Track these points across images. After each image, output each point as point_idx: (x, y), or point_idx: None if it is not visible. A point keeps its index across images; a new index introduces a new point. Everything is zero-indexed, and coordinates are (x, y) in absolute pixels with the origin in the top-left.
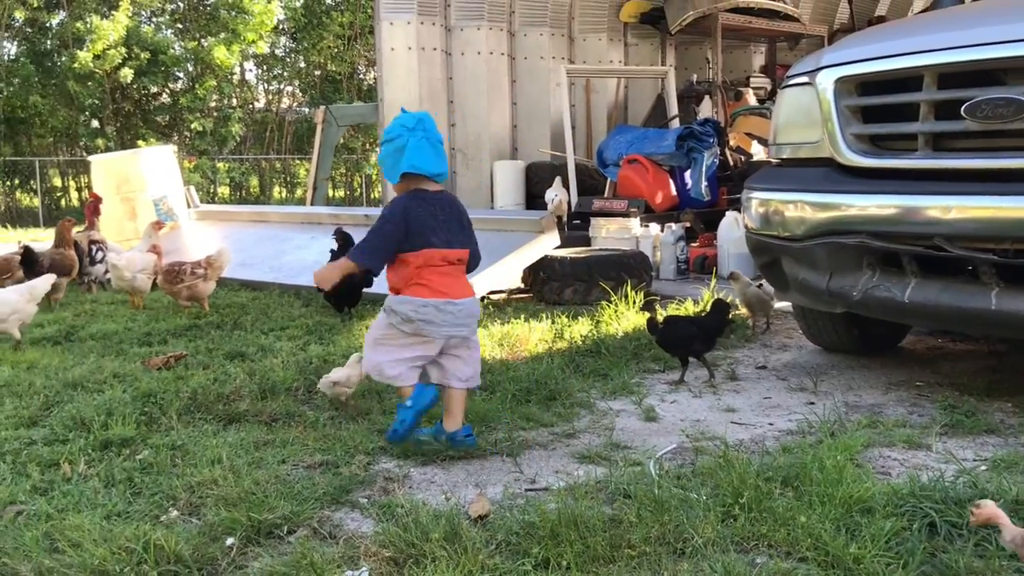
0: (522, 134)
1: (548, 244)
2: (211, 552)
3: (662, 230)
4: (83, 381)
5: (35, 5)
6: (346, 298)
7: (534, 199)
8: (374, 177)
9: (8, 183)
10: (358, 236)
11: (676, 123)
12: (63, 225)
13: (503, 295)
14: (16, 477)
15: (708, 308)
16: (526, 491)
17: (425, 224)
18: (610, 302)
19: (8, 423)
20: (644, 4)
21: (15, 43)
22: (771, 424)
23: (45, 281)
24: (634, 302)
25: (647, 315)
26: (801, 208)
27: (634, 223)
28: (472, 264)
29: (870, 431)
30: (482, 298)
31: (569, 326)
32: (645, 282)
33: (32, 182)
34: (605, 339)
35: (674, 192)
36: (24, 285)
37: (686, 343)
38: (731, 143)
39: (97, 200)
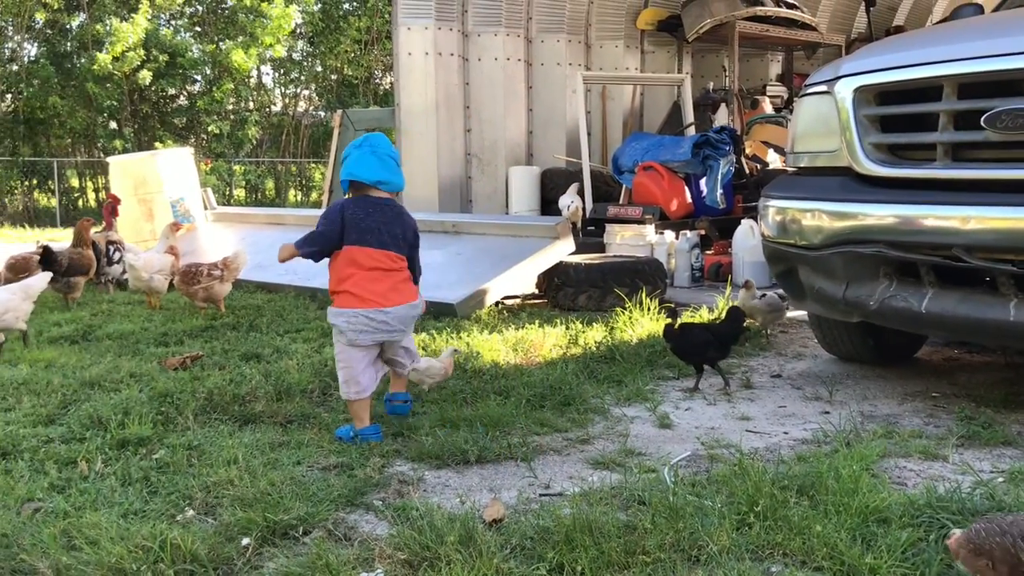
0: (538, 140)
1: (563, 250)
2: (227, 552)
3: (677, 237)
4: (100, 380)
5: (56, 7)
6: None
7: (549, 205)
8: None
9: (27, 183)
10: None
11: (692, 131)
12: (81, 225)
13: (517, 300)
14: (34, 475)
15: (723, 316)
16: (540, 496)
17: (358, 223)
18: (624, 309)
19: (26, 421)
20: (661, 12)
21: (35, 45)
22: (786, 433)
23: (40, 280)
24: (648, 309)
25: (667, 321)
26: (818, 217)
27: (649, 230)
28: (416, 276)
29: (886, 441)
30: (496, 303)
31: (583, 332)
32: (660, 289)
33: (50, 182)
34: (619, 345)
35: (689, 199)
36: (18, 284)
37: (700, 350)
38: (747, 151)
39: (115, 201)
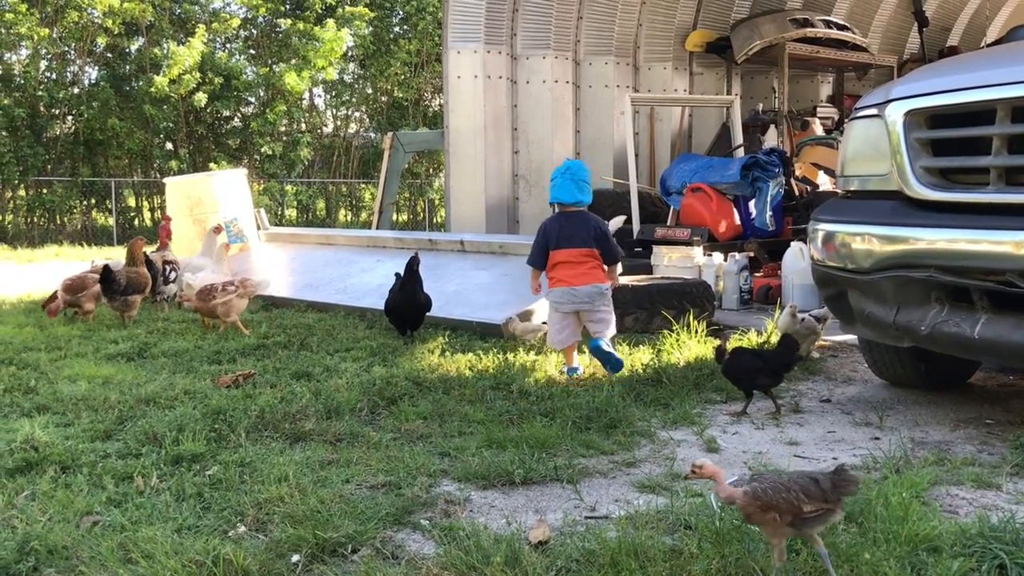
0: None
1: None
2: (277, 568)
3: (725, 259)
4: (155, 397)
5: (116, 32)
6: (410, 320)
7: None
8: (437, 202)
9: (85, 203)
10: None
11: (741, 152)
12: (135, 244)
13: None
14: (92, 488)
15: (776, 343)
16: (586, 518)
17: (554, 234)
18: (672, 331)
19: (85, 436)
20: (710, 33)
21: (96, 68)
22: (835, 458)
23: None
24: (696, 332)
25: (716, 343)
26: (869, 241)
27: (697, 252)
28: (609, 260)
29: (937, 468)
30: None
31: (630, 354)
32: (707, 312)
33: (108, 202)
34: (666, 368)
35: (738, 221)
36: None
37: (750, 376)
38: (797, 173)
39: (169, 221)
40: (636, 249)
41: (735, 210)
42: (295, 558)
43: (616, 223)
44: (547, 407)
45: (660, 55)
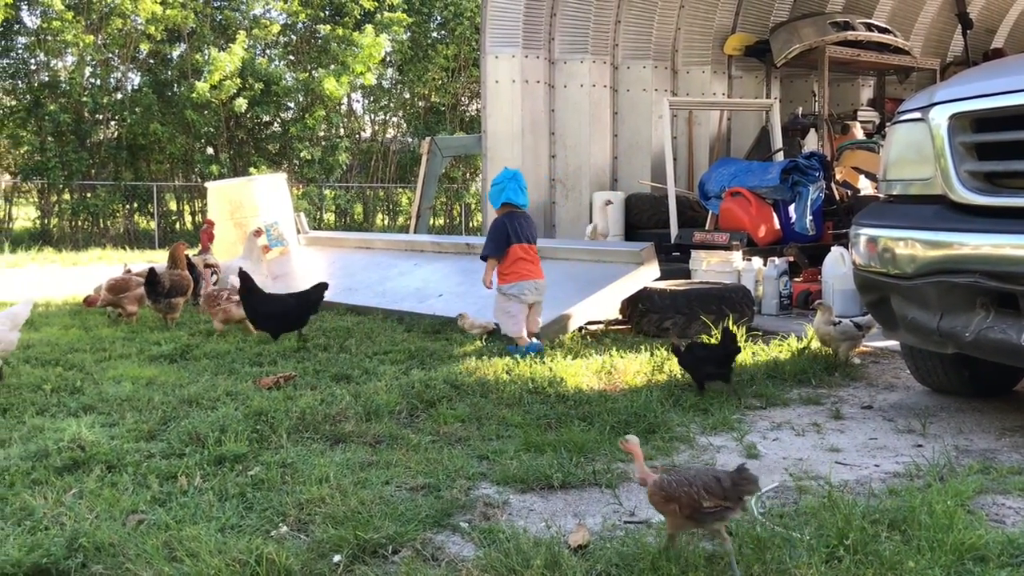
0: (622, 166)
1: (648, 276)
2: (319, 568)
3: (765, 264)
4: (198, 398)
5: (158, 38)
6: (295, 322)
7: (634, 230)
8: (473, 206)
9: (128, 207)
10: (460, 262)
11: (781, 156)
12: (177, 247)
13: (601, 326)
14: (137, 488)
15: (720, 337)
16: (625, 523)
17: (515, 230)
18: (711, 336)
19: (129, 436)
20: (749, 37)
21: (139, 74)
22: (877, 466)
23: (25, 308)
24: (736, 337)
25: (674, 341)
26: (912, 246)
27: (736, 256)
28: None
29: (982, 477)
30: (580, 328)
31: (669, 359)
32: (747, 317)
33: (149, 206)
34: None
35: (778, 226)
36: (5, 313)
37: (700, 366)
38: (837, 177)
39: (211, 225)
40: (674, 253)
41: (774, 214)
42: (336, 558)
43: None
44: (585, 411)
45: (699, 59)
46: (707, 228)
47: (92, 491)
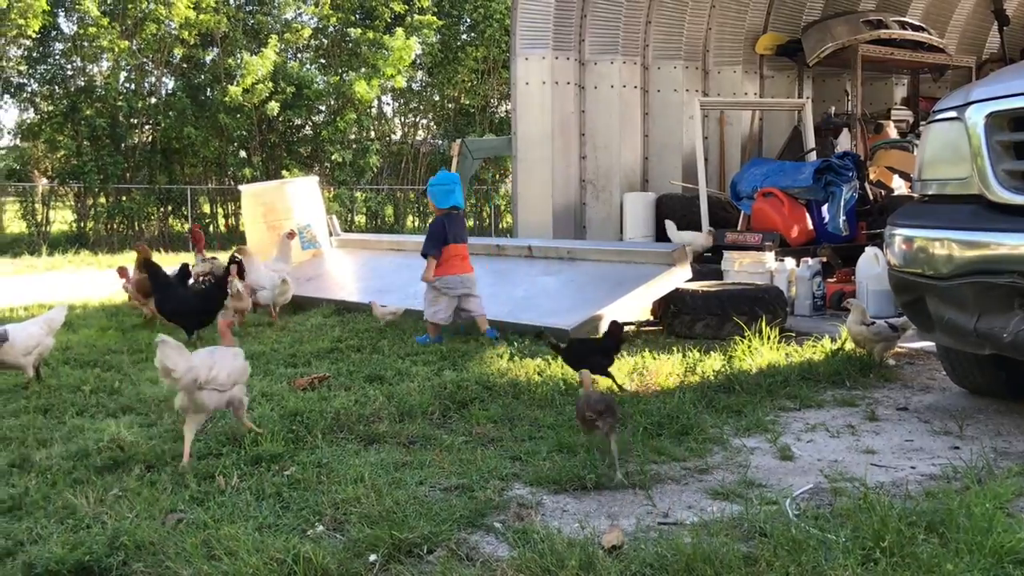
0: (653, 166)
1: (679, 277)
2: (355, 567)
3: (798, 265)
4: None
5: (192, 43)
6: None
7: (665, 232)
8: (503, 207)
9: (162, 209)
10: (490, 264)
11: (813, 156)
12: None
13: (633, 327)
14: (176, 487)
15: (605, 332)
16: (659, 524)
17: (453, 231)
18: (744, 337)
19: (167, 436)
20: (781, 36)
21: (173, 78)
22: (913, 468)
23: (60, 312)
24: (768, 338)
25: (554, 343)
26: (948, 246)
27: (769, 257)
28: None
29: (1022, 479)
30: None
31: (701, 360)
32: (780, 318)
33: (184, 209)
34: (738, 375)
35: (811, 226)
36: (42, 317)
37: (585, 357)
38: (871, 177)
39: (197, 227)
40: (706, 254)
41: (807, 215)
42: (372, 557)
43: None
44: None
45: (730, 58)
46: (739, 229)
47: (132, 490)
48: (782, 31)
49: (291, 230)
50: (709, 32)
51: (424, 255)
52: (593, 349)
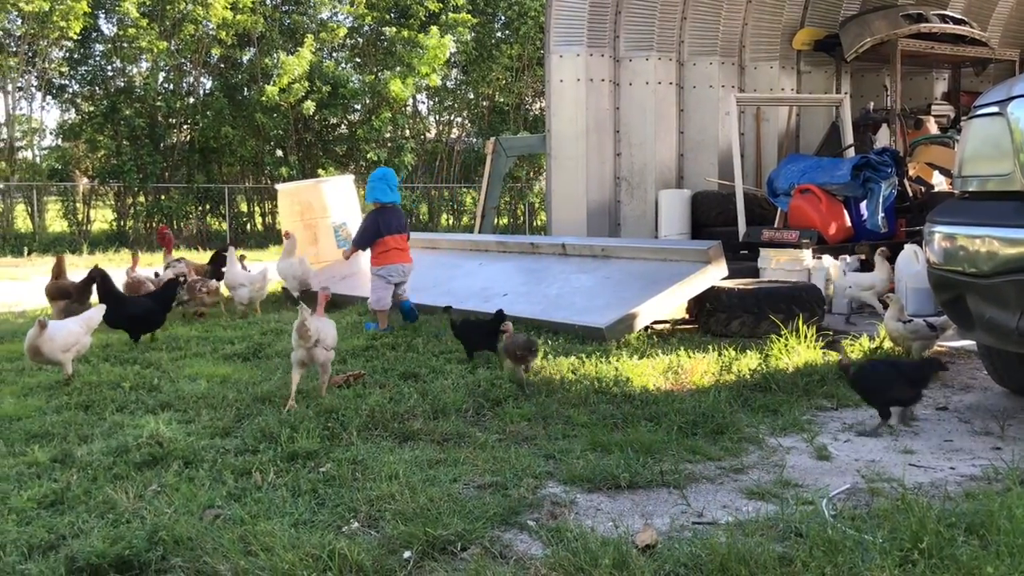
0: (689, 163)
1: (715, 275)
2: (390, 564)
3: (836, 262)
4: (270, 396)
5: (229, 43)
6: (142, 323)
7: (700, 229)
8: (537, 205)
9: (200, 208)
10: (524, 262)
11: (851, 152)
12: (59, 258)
13: (667, 325)
14: (213, 483)
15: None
16: (693, 524)
17: (387, 223)
18: (780, 336)
19: (205, 433)
20: (818, 31)
21: (210, 79)
22: (952, 468)
23: (99, 312)
24: (805, 337)
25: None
26: (989, 243)
27: (806, 254)
28: None
29: None
30: (646, 328)
31: (736, 359)
32: (817, 316)
33: (221, 207)
34: (775, 374)
35: (849, 223)
36: (81, 316)
37: (473, 340)
38: (911, 173)
39: (164, 227)
40: (742, 252)
41: (845, 212)
42: (407, 554)
43: None
44: (652, 411)
45: (766, 54)
46: (776, 226)
47: (170, 486)
48: (819, 26)
49: (286, 231)
50: (745, 27)
51: (353, 246)
52: (478, 329)
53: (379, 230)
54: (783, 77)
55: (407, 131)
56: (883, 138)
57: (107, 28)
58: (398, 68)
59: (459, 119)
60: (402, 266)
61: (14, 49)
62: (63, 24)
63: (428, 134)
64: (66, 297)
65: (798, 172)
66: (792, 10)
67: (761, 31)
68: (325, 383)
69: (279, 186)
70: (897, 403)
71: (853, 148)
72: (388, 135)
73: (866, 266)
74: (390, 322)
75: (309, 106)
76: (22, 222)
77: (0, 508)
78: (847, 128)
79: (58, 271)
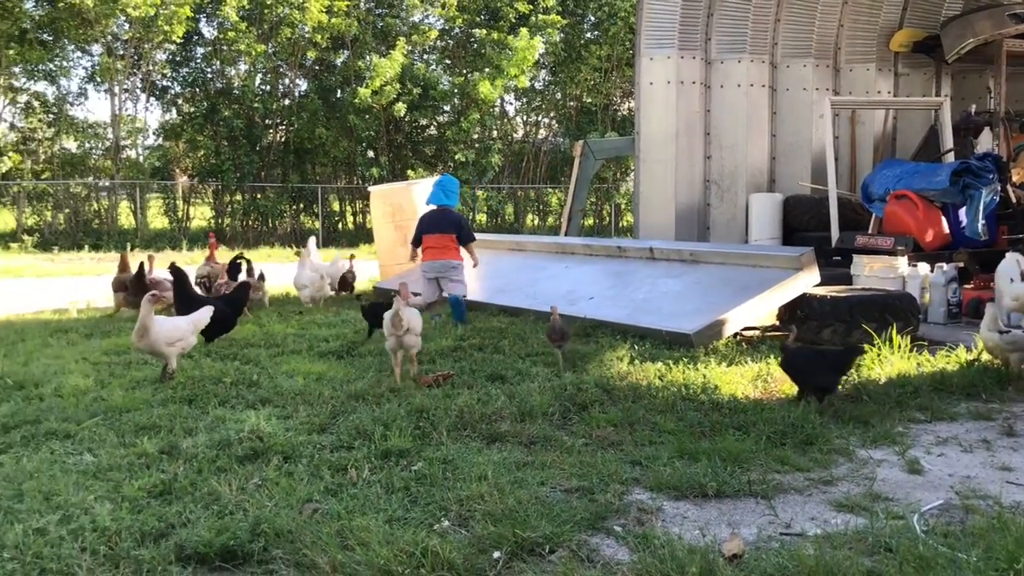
0: (780, 166)
1: (807, 282)
2: (479, 563)
3: (932, 270)
4: (364, 394)
5: (324, 46)
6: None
7: (792, 233)
8: (623, 206)
9: (294, 207)
10: (611, 265)
11: (951, 157)
12: (123, 256)
13: (757, 332)
14: (311, 478)
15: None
16: (781, 535)
17: (426, 224)
18: (873, 345)
19: (302, 428)
20: (917, 32)
21: (305, 80)
22: None
23: (207, 313)
24: (899, 347)
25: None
26: None
27: (901, 262)
28: (463, 241)
29: None
30: (735, 334)
31: None
32: (912, 326)
33: (314, 206)
34: (866, 384)
35: (946, 230)
36: (190, 316)
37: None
38: (1014, 179)
39: (212, 235)
40: (835, 258)
41: (943, 218)
42: (496, 554)
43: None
44: (740, 420)
45: (862, 56)
46: (870, 232)
47: (271, 480)
48: (919, 27)
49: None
50: (841, 29)
51: (413, 245)
52: (378, 312)
53: (421, 230)
54: (880, 79)
55: (495, 132)
56: (985, 142)
57: (208, 32)
58: (487, 70)
59: (546, 120)
60: (433, 263)
61: (121, 52)
62: (167, 28)
63: (515, 135)
64: (124, 290)
65: (894, 177)
66: (890, 11)
67: (857, 32)
68: (415, 363)
69: (372, 188)
70: (820, 389)
71: (953, 153)
72: (476, 136)
73: (963, 274)
74: (437, 311)
75: (400, 108)
76: (125, 219)
77: (114, 496)
78: (947, 132)
79: (123, 266)
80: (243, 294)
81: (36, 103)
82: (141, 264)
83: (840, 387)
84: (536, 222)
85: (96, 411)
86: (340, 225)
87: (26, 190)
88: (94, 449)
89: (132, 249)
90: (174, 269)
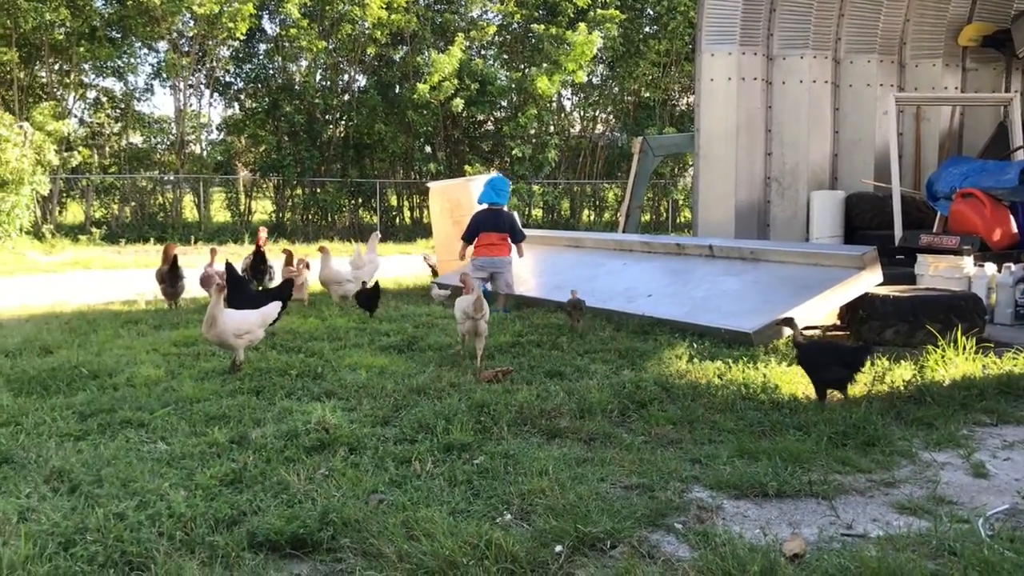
0: (843, 163)
1: (869, 281)
2: (542, 556)
3: (999, 270)
4: (425, 388)
5: (383, 42)
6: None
7: (854, 232)
8: (681, 202)
9: (353, 202)
10: (669, 263)
11: (1020, 155)
12: (168, 247)
13: (818, 331)
14: (376, 470)
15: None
16: (842, 536)
17: (481, 222)
18: (937, 346)
19: (367, 421)
20: (987, 26)
21: (365, 76)
22: None
23: (275, 308)
24: (964, 348)
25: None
26: None
27: (967, 261)
28: (515, 239)
29: None
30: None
31: (890, 369)
32: (977, 327)
33: (373, 201)
34: (930, 386)
35: (1015, 229)
36: (259, 311)
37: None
38: None
39: (261, 230)
40: (898, 257)
41: (1012, 217)
42: (558, 548)
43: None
44: (800, 420)
45: (929, 51)
46: (935, 231)
47: (338, 471)
48: (989, 21)
49: (321, 246)
50: (907, 24)
51: (463, 239)
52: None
53: (476, 228)
54: (946, 75)
55: (551, 127)
56: None
57: (270, 28)
58: (545, 65)
59: (604, 115)
60: (486, 259)
61: (186, 49)
62: (231, 25)
63: (572, 130)
64: (163, 281)
65: (960, 175)
66: (958, 5)
67: (924, 27)
68: (482, 349)
69: (430, 184)
70: (833, 383)
71: (1022, 150)
72: (532, 131)
73: None
74: (500, 305)
75: (458, 103)
76: (189, 212)
77: (188, 483)
78: (1016, 129)
79: (165, 258)
80: (287, 290)
81: (104, 99)
82: (175, 256)
83: (850, 384)
84: (592, 217)
85: (167, 401)
86: (398, 220)
87: (94, 184)
88: (167, 438)
89: (195, 242)
90: (228, 267)
